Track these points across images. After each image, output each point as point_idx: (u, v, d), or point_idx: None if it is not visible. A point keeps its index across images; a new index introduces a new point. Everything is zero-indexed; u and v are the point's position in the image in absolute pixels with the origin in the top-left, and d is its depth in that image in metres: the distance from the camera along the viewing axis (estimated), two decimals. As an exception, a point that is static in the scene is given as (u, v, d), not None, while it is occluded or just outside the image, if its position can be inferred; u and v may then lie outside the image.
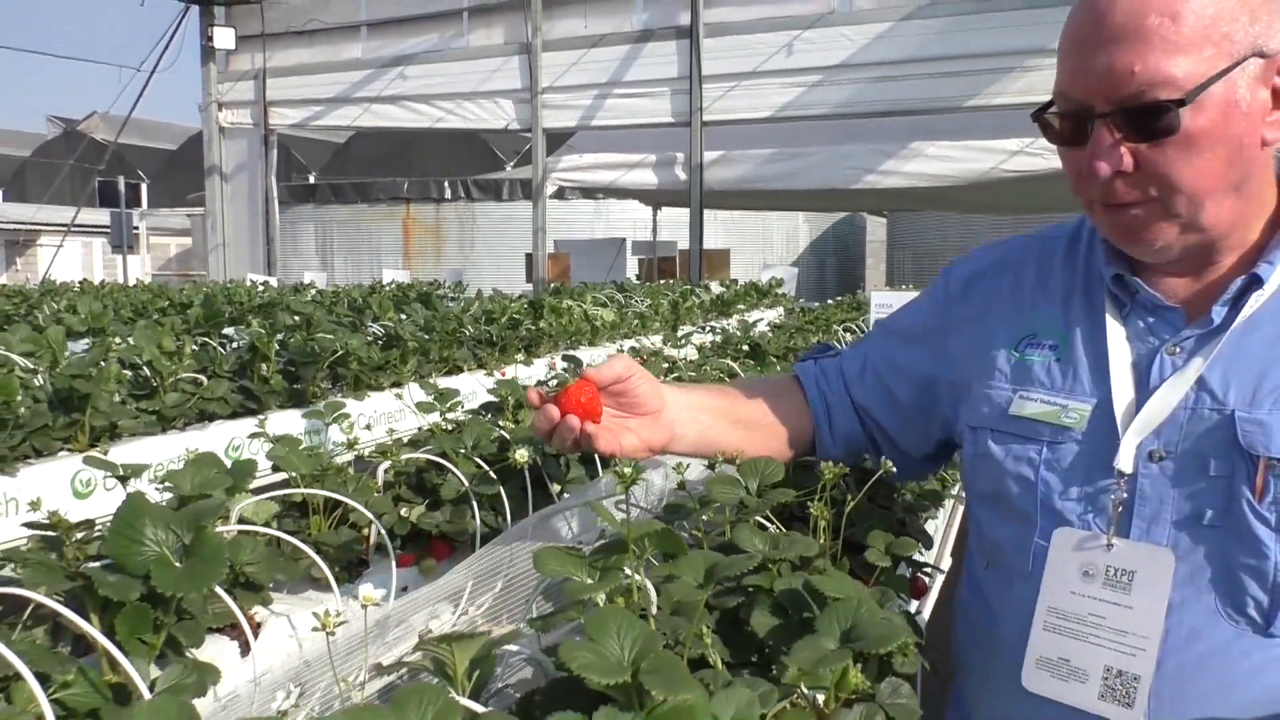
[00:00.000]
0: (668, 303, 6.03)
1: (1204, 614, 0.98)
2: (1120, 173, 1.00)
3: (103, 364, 2.41)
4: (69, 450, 2.46)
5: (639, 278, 11.67)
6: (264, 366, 3.03)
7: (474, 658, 0.75)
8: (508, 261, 17.65)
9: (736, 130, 9.77)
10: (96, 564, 1.12)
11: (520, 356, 4.27)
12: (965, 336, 1.23)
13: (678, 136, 9.66)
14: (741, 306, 6.22)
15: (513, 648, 0.87)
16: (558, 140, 11.32)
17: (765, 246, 20.20)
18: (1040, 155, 8.39)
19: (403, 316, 5.26)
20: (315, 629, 0.92)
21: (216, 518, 1.10)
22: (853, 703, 0.98)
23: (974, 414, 1.18)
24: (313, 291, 7.91)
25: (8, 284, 8.46)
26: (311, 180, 23.73)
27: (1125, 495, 1.02)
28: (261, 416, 2.70)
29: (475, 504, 1.57)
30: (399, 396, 2.95)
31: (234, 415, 2.93)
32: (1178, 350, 1.04)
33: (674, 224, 15.89)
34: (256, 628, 1.33)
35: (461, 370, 3.99)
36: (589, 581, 0.86)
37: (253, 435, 2.21)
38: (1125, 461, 1.02)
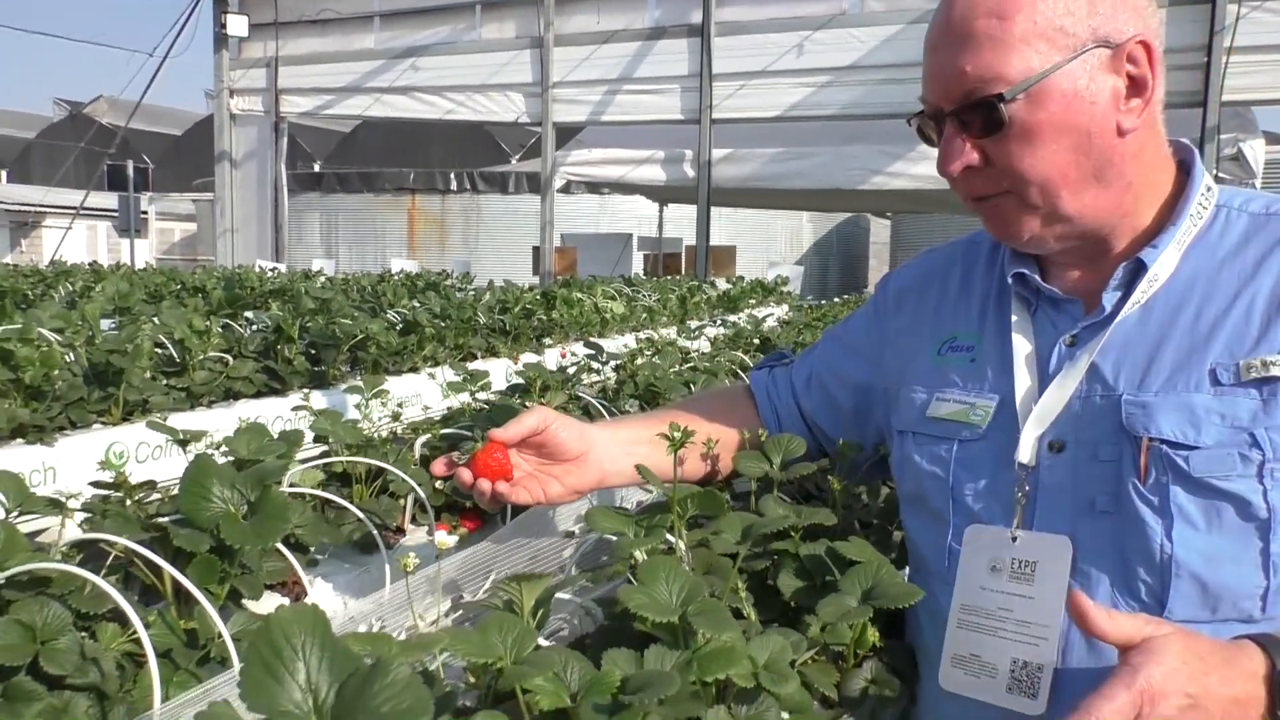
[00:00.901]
0: (676, 297, 6.10)
1: (1101, 599, 0.97)
2: (971, 168, 1.05)
3: (137, 341, 2.48)
4: (103, 423, 2.54)
5: (645, 273, 11.73)
6: (288, 348, 3.11)
7: (538, 598, 0.83)
8: (512, 254, 17.71)
9: (745, 128, 9.83)
10: (165, 519, 1.20)
11: (533, 345, 4.35)
12: (897, 348, 1.27)
13: (686, 133, 9.73)
14: (753, 302, 6.30)
15: (563, 596, 0.95)
16: (567, 135, 11.39)
17: (769, 245, 20.28)
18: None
19: (416, 304, 5.34)
20: (364, 586, 1.00)
21: (279, 478, 1.18)
22: (864, 660, 1.07)
23: (900, 418, 1.20)
24: (322, 279, 8.00)
25: (16, 265, 8.53)
26: (316, 169, 23.77)
27: (1028, 488, 1.04)
28: (303, 393, 2.79)
29: (506, 478, 1.65)
30: (432, 376, 3.05)
31: (258, 394, 3.01)
32: (1073, 341, 1.06)
33: (679, 221, 15.98)
34: (294, 592, 1.41)
35: (475, 357, 4.06)
36: (634, 537, 0.94)
37: (296, 409, 2.29)
38: (1025, 453, 1.04)
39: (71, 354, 2.73)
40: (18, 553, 0.99)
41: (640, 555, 0.96)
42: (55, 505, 1.16)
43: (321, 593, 1.41)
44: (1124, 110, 1.01)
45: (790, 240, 21.40)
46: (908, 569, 1.23)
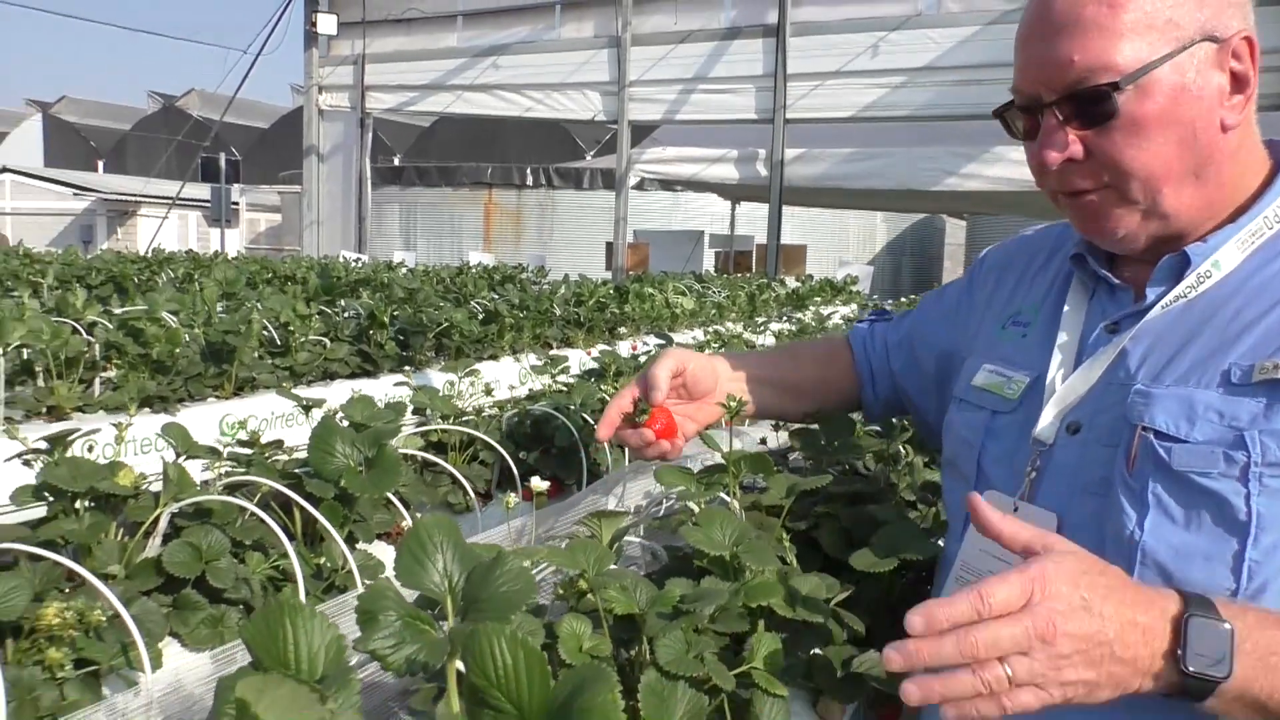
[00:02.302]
0: (745, 294, 6.24)
1: None
2: (1072, 160, 1.02)
3: (248, 323, 2.73)
4: (216, 397, 2.79)
5: (716, 270, 11.85)
6: (380, 334, 3.35)
7: (614, 532, 1.01)
8: (585, 249, 17.95)
9: (818, 128, 9.90)
10: (297, 470, 1.40)
11: (604, 337, 4.54)
12: (977, 317, 1.29)
13: (759, 132, 9.84)
14: (818, 300, 6.41)
15: (632, 539, 1.12)
16: (641, 132, 11.58)
17: (841, 245, 20.22)
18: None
19: (494, 296, 5.58)
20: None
21: (394, 438, 1.38)
22: (895, 608, 1.22)
23: (956, 385, 1.23)
24: (404, 270, 8.31)
25: (118, 252, 9.03)
26: (396, 162, 24.35)
27: (1039, 464, 1.06)
28: (395, 376, 3.01)
29: (583, 452, 1.84)
30: (517, 360, 3.27)
31: (352, 375, 3.26)
32: (1114, 328, 1.07)
33: (750, 218, 16.06)
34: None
35: (551, 347, 4.27)
36: (695, 489, 1.12)
37: (397, 384, 2.50)
38: (1043, 430, 1.06)
39: (187, 334, 2.99)
40: (187, 488, 1.19)
41: (697, 506, 1.13)
42: (213, 453, 1.38)
43: (421, 543, 1.61)
44: (1227, 107, 1.00)
45: (863, 239, 21.30)
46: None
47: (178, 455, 1.33)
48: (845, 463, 1.59)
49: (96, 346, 2.51)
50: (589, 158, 24.48)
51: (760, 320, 4.86)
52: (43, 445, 1.22)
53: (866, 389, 1.45)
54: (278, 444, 1.57)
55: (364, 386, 3.11)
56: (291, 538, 1.38)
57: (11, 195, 29.62)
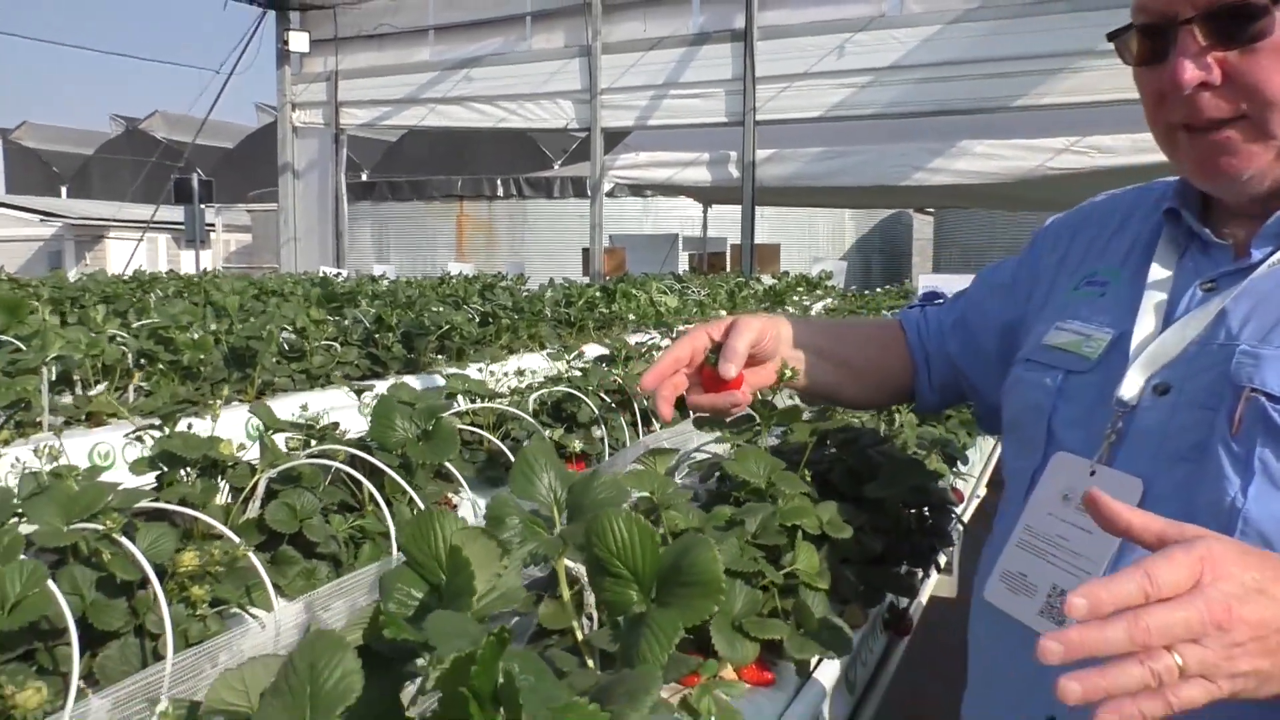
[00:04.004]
0: (725, 291, 6.43)
1: None
2: (1207, 85, 0.94)
3: (269, 329, 2.88)
4: (240, 400, 2.94)
5: (692, 271, 12.05)
6: (387, 337, 3.50)
7: (668, 467, 1.18)
8: (559, 256, 18.09)
9: (788, 129, 10.12)
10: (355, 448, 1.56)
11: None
12: (1043, 284, 1.24)
13: (730, 135, 10.04)
14: (796, 297, 6.61)
15: (677, 480, 1.30)
16: (614, 139, 11.76)
17: (811, 243, 20.51)
18: (1086, 154, 8.67)
19: (483, 301, 5.73)
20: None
21: (445, 412, 1.55)
22: (907, 537, 1.41)
23: (1023, 348, 1.18)
24: (385, 282, 8.44)
25: (93, 275, 9.09)
26: (364, 178, 24.41)
27: (1120, 425, 1.00)
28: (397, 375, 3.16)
29: (604, 427, 2.01)
30: (539, 349, 3.45)
31: (363, 377, 3.40)
32: (1210, 286, 1.01)
33: (722, 220, 16.28)
34: (453, 507, 1.78)
35: (545, 346, 4.43)
36: (729, 436, 1.29)
37: (430, 372, 2.66)
38: (1129, 391, 1.00)
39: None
40: (280, 457, 1.35)
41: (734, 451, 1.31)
42: (297, 428, 1.54)
43: (464, 510, 1.77)
44: None
45: (832, 237, 21.61)
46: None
47: (266, 430, 1.49)
48: (844, 420, 1.77)
49: (130, 356, 2.65)
50: (556, 166, 24.68)
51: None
52: (153, 423, 1.38)
53: (921, 374, 1.38)
54: (334, 425, 1.73)
55: (376, 388, 3.25)
56: (361, 505, 1.55)
57: (-29, 222, 29.39)
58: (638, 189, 17.37)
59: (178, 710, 0.70)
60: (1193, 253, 1.06)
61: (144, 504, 1.15)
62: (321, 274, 9.77)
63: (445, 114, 11.75)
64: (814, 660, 1.11)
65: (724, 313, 5.15)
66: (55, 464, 1.25)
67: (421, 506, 1.38)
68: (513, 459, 1.79)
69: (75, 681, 0.95)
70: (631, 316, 4.62)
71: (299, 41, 12.53)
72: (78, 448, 2.44)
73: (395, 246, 21.17)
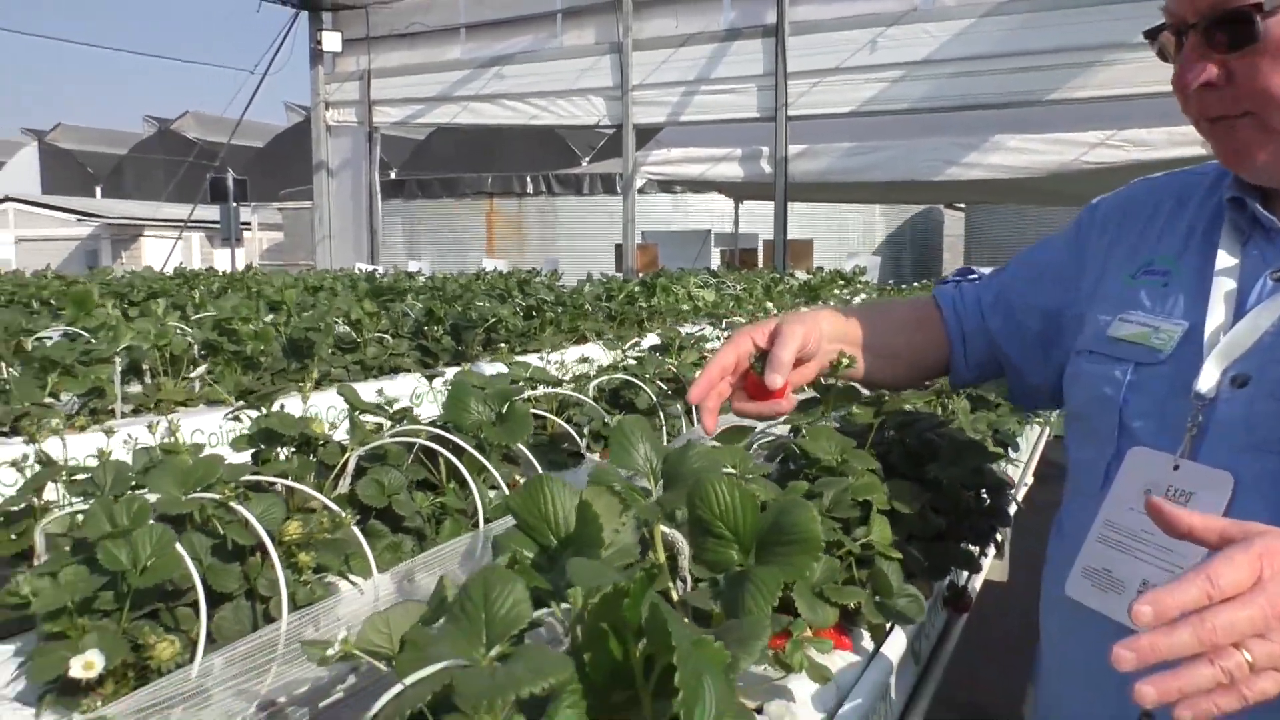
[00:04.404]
0: (760, 286, 6.48)
1: None
2: (1210, 86, 1.00)
3: (326, 321, 2.96)
4: (298, 389, 3.02)
5: (727, 267, 12.09)
6: (436, 329, 3.58)
7: (742, 443, 1.24)
8: (588, 253, 18.18)
9: (820, 124, 10.14)
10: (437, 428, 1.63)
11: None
12: (1094, 269, 1.23)
13: (762, 131, 10.08)
14: (835, 291, 6.65)
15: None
16: (644, 136, 11.83)
17: (841, 239, 20.48)
18: (1121, 148, 8.63)
19: (519, 296, 5.81)
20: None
21: (519, 396, 1.61)
22: (966, 519, 1.45)
23: (1081, 339, 1.18)
24: (422, 278, 8.56)
25: (135, 271, 9.28)
26: (393, 175, 24.62)
27: (1201, 419, 1.00)
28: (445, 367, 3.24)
29: (662, 413, 2.07)
30: (594, 339, 3.52)
31: (411, 370, 3.49)
32: None
33: (753, 216, 16.32)
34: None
35: (586, 340, 4.50)
36: (798, 417, 1.35)
37: (492, 359, 2.73)
38: (1206, 384, 1.00)
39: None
40: (368, 436, 1.42)
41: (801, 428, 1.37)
42: (380, 409, 1.61)
43: (534, 492, 1.84)
44: None
45: (863, 233, 21.56)
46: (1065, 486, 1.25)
47: (353, 411, 1.57)
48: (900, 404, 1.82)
49: (195, 346, 2.74)
50: (585, 163, 24.76)
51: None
52: (240, 405, 1.46)
53: (957, 351, 1.38)
54: (407, 410, 1.80)
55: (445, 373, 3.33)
56: (439, 483, 1.61)
57: (15, 224, 29.95)
58: (668, 185, 17.43)
59: (317, 651, 0.76)
60: (1257, 240, 1.06)
61: (248, 478, 1.22)
62: (357, 270, 9.91)
63: (477, 111, 11.85)
64: (887, 628, 1.17)
65: (770, 307, 5.20)
66: (163, 441, 1.32)
67: (502, 485, 1.45)
68: (579, 441, 1.86)
69: (203, 637, 1.03)
70: (686, 307, 4.67)
71: (332, 41, 12.69)
72: (148, 433, 2.53)
73: (426, 243, 21.34)
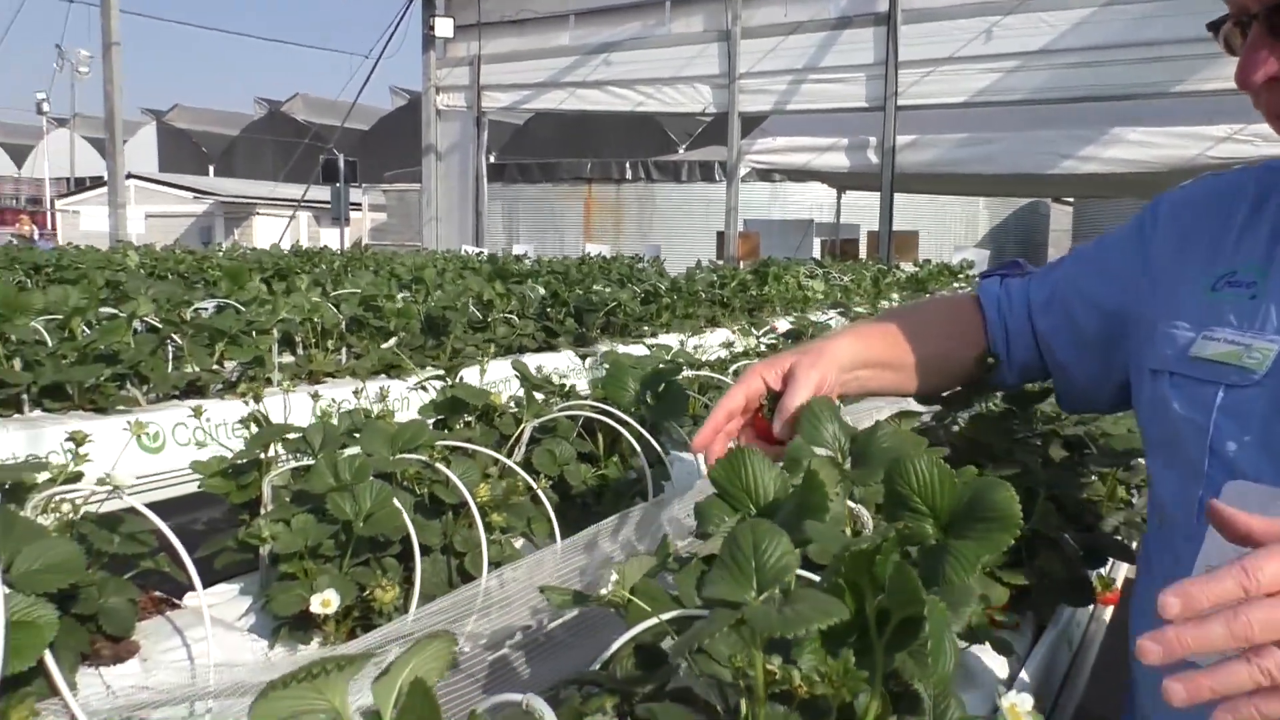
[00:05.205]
0: (869, 278, 6.45)
1: None
2: (1275, 80, 0.93)
3: (462, 300, 3.09)
4: (434, 366, 3.16)
5: (830, 257, 12.02)
6: (560, 311, 3.69)
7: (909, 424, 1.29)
8: (685, 240, 18.22)
9: (928, 114, 10.00)
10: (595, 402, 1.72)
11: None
12: (1161, 275, 1.13)
13: (865, 120, 9.99)
14: (959, 280, 6.59)
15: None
16: (747, 124, 11.83)
17: (943, 231, 20.10)
18: (1250, 143, 8.30)
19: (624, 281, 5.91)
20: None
21: (676, 375, 1.69)
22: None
23: (1155, 356, 1.07)
24: (528, 262, 8.74)
25: (253, 248, 9.71)
26: (491, 160, 25.02)
27: None
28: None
29: (797, 399, 2.13)
30: (724, 326, 3.60)
31: (539, 349, 3.60)
32: None
33: (851, 207, 16.15)
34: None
35: (700, 326, 4.57)
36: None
37: (623, 341, 2.83)
38: None
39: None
40: (541, 409, 1.52)
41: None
42: (547, 384, 1.71)
43: (681, 463, 1.92)
44: None
45: (965, 226, 21.11)
46: (1148, 517, 1.18)
47: (524, 385, 1.67)
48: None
49: (343, 322, 2.90)
50: (681, 150, 24.80)
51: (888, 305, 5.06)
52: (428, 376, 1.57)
53: (1000, 353, 1.29)
54: (572, 387, 1.90)
55: (548, 359, 3.45)
56: (598, 457, 1.70)
57: (135, 200, 31.46)
58: (767, 174, 17.35)
59: (561, 596, 0.85)
60: None
61: (444, 442, 1.32)
62: (464, 252, 10.16)
63: (584, 97, 12.01)
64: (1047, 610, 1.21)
65: (884, 303, 5.19)
66: (372, 405, 1.44)
67: (665, 459, 1.53)
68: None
69: (418, 585, 1.13)
70: (821, 294, 4.70)
71: (444, 27, 12.99)
72: (302, 403, 2.69)
73: (524, 227, 21.66)
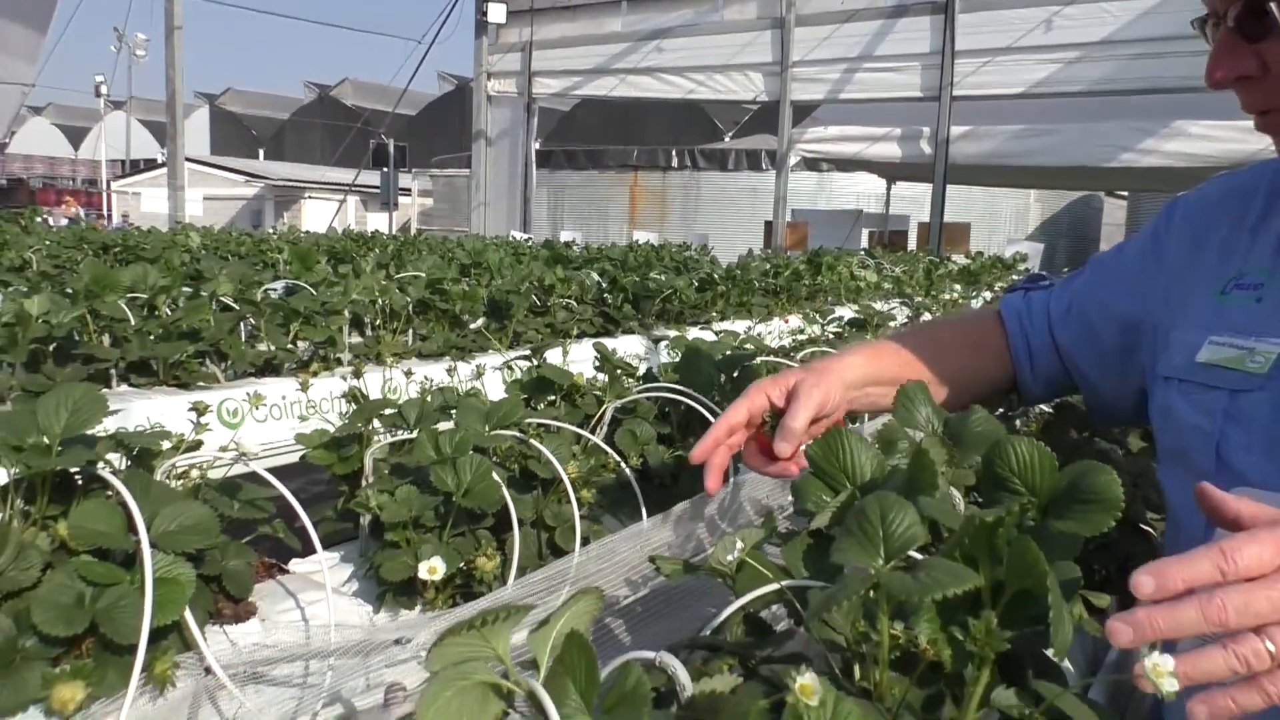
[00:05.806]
0: (921, 269, 6.42)
1: None
2: (1247, 79, 0.94)
3: (524, 285, 3.14)
4: (496, 349, 3.22)
5: (881, 248, 11.98)
6: (618, 297, 3.73)
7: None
8: (731, 229, 18.18)
9: (983, 105, 9.89)
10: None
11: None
12: (1174, 281, 1.12)
13: (917, 111, 9.89)
14: (1015, 274, 6.53)
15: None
16: (799, 113, 11.77)
17: (993, 224, 19.85)
18: (1315, 136, 8.10)
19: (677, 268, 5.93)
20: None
21: (749, 361, 1.71)
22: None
23: (1168, 363, 1.06)
24: (576, 248, 8.79)
25: (341, 232, 9.86)
26: (538, 146, 25.09)
27: None
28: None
29: (864, 387, 2.14)
30: (807, 314, 3.64)
31: (597, 334, 3.65)
32: None
33: (900, 198, 16.01)
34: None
35: (752, 314, 4.59)
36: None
37: (697, 327, 2.85)
38: None
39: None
40: (623, 391, 1.56)
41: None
42: (626, 365, 1.74)
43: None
44: None
45: (1016, 218, 20.83)
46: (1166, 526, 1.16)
47: (605, 366, 1.71)
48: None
49: (411, 304, 2.96)
50: (728, 139, 24.69)
51: (946, 297, 5.05)
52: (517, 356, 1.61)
53: (1023, 368, 1.27)
54: (649, 370, 1.93)
55: (613, 344, 3.49)
56: (674, 439, 1.73)
57: (188, 182, 32.00)
58: (814, 163, 17.25)
59: (672, 565, 0.88)
60: None
61: (534, 420, 1.36)
62: (512, 237, 10.24)
63: (635, 85, 12.02)
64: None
65: (942, 299, 5.17)
66: (465, 385, 1.49)
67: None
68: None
69: (515, 557, 1.17)
70: (873, 284, 4.70)
71: (496, 13, 13.05)
72: (372, 381, 2.76)
73: (569, 214, 21.73)
